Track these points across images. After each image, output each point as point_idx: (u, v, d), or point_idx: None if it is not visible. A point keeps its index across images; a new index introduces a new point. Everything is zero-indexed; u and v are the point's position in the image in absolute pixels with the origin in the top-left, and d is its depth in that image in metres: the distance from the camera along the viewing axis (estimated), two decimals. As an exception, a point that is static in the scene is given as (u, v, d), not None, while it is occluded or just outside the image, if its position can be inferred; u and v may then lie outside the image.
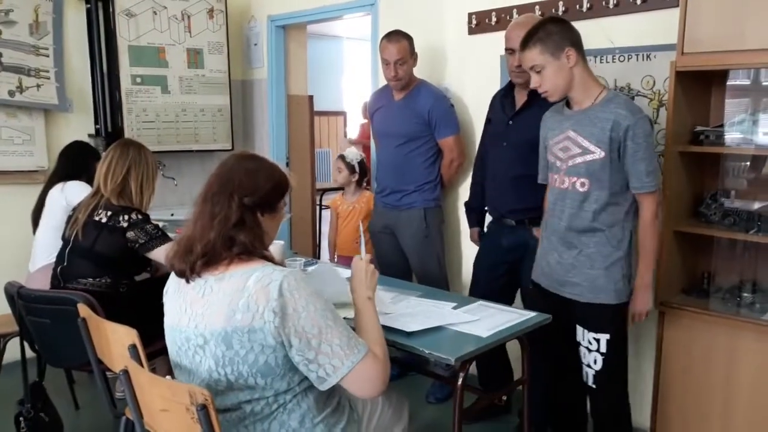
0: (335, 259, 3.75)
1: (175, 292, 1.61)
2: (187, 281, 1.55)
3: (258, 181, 1.57)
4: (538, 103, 2.52)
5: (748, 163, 2.46)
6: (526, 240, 2.65)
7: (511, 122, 2.68)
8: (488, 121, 2.89)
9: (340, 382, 1.48)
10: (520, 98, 2.68)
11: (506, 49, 2.63)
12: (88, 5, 3.83)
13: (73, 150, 3.28)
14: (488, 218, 2.95)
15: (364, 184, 3.77)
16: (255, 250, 1.53)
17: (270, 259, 1.57)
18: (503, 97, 2.77)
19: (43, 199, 3.10)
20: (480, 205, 2.96)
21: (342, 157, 3.65)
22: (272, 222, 1.63)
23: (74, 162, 3.16)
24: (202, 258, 1.51)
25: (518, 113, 2.66)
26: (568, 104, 2.22)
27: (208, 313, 1.49)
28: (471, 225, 3.07)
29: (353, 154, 3.63)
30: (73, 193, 2.97)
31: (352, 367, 1.47)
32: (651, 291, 2.22)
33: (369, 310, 1.69)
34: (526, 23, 2.58)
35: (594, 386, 2.26)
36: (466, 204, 3.09)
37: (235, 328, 1.45)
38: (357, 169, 3.61)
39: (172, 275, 1.62)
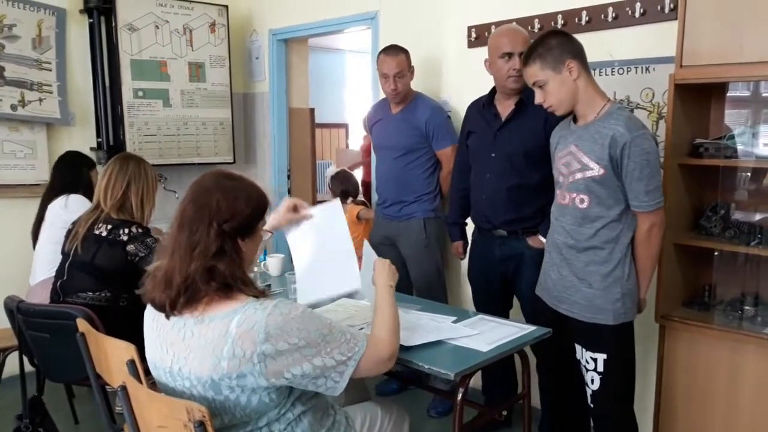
0: None
1: (153, 328, 1.54)
2: (167, 317, 1.47)
3: (237, 205, 1.47)
4: (526, 112, 2.55)
5: (749, 175, 2.45)
6: (521, 250, 2.66)
7: (498, 133, 2.67)
8: (467, 134, 2.85)
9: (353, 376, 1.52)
10: (504, 108, 2.67)
11: (503, 54, 2.58)
12: (91, 20, 3.85)
13: (66, 162, 3.25)
14: (470, 229, 2.96)
15: (350, 200, 3.97)
16: (235, 282, 1.45)
17: (250, 291, 1.47)
18: (483, 109, 2.76)
19: (42, 213, 3.08)
20: (462, 218, 2.97)
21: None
22: (252, 245, 1.55)
23: (69, 174, 3.14)
24: (184, 294, 1.42)
25: (506, 123, 2.65)
26: (575, 118, 2.20)
27: (191, 357, 1.43)
28: (454, 239, 3.07)
29: (328, 172, 3.80)
30: (76, 209, 2.93)
31: (356, 365, 1.50)
32: (644, 304, 2.22)
33: (388, 294, 1.78)
34: (517, 29, 2.65)
35: (592, 406, 2.24)
36: (448, 218, 3.09)
37: (221, 375, 1.39)
38: (330, 185, 3.80)
39: (149, 306, 1.55)
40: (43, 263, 3.00)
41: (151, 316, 1.56)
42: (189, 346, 1.43)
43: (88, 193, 3.05)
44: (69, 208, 2.96)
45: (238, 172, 1.61)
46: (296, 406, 1.52)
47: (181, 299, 1.43)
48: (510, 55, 2.57)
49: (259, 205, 1.55)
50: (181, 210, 1.49)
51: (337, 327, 1.50)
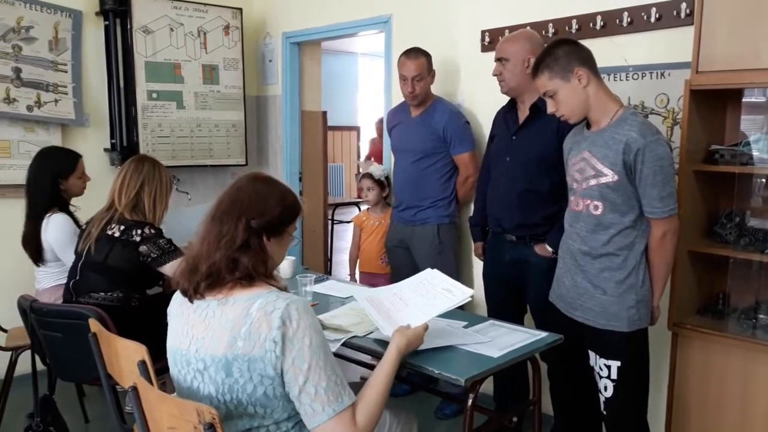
0: (356, 276, 3.71)
1: (178, 314, 1.61)
2: (191, 301, 1.55)
3: (267, 204, 1.56)
4: (541, 117, 2.53)
5: (764, 182, 2.42)
6: (527, 257, 2.66)
7: (514, 137, 2.68)
8: (491, 137, 2.90)
9: (313, 430, 1.44)
10: (523, 113, 2.69)
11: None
12: (107, 22, 3.88)
13: (33, 178, 2.97)
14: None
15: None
16: (257, 275, 1.52)
17: (273, 283, 1.55)
18: (506, 113, 2.79)
19: (28, 229, 2.98)
20: (484, 219, 2.95)
21: (369, 176, 3.58)
22: (279, 247, 1.61)
23: (37, 194, 2.95)
24: (206, 279, 1.51)
25: (521, 128, 2.67)
26: (588, 124, 2.20)
27: (209, 337, 1.48)
28: (475, 240, 3.07)
29: (379, 169, 3.62)
30: (52, 231, 2.90)
31: (331, 415, 1.42)
32: (658, 312, 2.20)
33: (391, 362, 1.65)
34: (515, 37, 2.71)
35: (605, 413, 2.23)
36: (470, 219, 3.09)
37: (235, 355, 1.43)
38: (386, 183, 3.57)
39: (177, 294, 1.62)
40: (47, 278, 3.04)
41: (178, 301, 1.62)
42: (209, 326, 1.49)
43: (66, 204, 3.02)
44: (46, 230, 2.91)
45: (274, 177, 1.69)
46: None
47: (203, 283, 1.51)
48: (498, 60, 2.67)
49: (290, 209, 1.61)
50: (216, 204, 1.58)
51: (332, 363, 1.47)
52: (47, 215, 2.93)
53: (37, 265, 3.02)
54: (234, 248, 1.50)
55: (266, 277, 1.54)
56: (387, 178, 3.58)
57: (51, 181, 2.96)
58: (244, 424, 1.49)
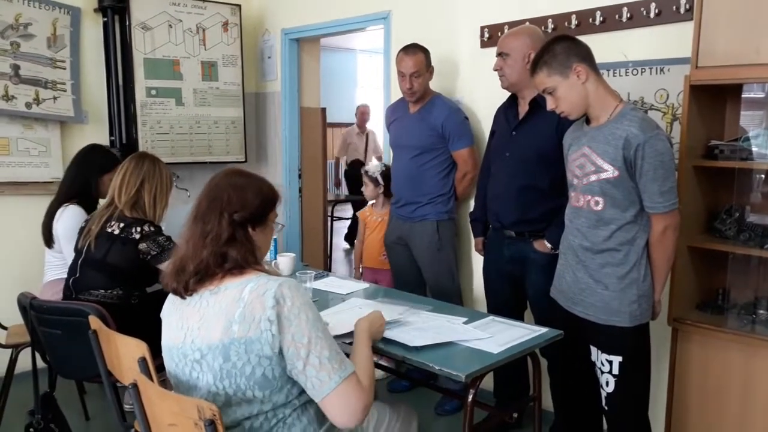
0: (360, 271, 3.72)
1: (171, 312, 1.62)
2: (182, 297, 1.57)
3: (246, 196, 1.59)
4: (541, 113, 2.53)
5: (764, 177, 2.42)
6: (527, 253, 2.66)
7: (514, 133, 2.69)
8: (492, 133, 2.91)
9: (323, 400, 1.47)
10: (523, 109, 2.70)
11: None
12: (105, 19, 3.88)
13: (75, 167, 3.07)
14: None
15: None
16: (247, 265, 1.55)
17: (263, 269, 1.58)
18: (507, 109, 2.79)
19: (50, 213, 3.02)
20: (484, 215, 2.95)
21: (365, 172, 3.64)
22: (263, 235, 1.65)
23: (73, 184, 3.01)
24: (194, 276, 1.53)
25: (521, 124, 2.67)
26: (588, 120, 2.19)
27: (204, 326, 1.50)
28: (476, 235, 3.07)
29: (375, 166, 3.63)
30: (62, 226, 2.91)
31: (339, 382, 1.46)
32: (659, 307, 2.20)
33: (364, 339, 1.73)
34: (516, 32, 2.72)
35: (606, 408, 2.23)
36: (471, 214, 3.10)
37: (232, 339, 1.45)
38: (381, 181, 3.58)
39: (169, 295, 1.64)
40: (50, 267, 3.05)
41: (171, 299, 1.64)
42: (203, 316, 1.52)
43: (93, 203, 3.03)
44: (59, 220, 2.92)
45: (250, 170, 1.72)
46: (303, 395, 1.54)
47: (192, 280, 1.53)
48: (499, 54, 2.68)
49: (268, 197, 1.65)
50: (196, 204, 1.61)
51: (330, 336, 1.52)
52: (64, 204, 2.94)
53: (49, 247, 3.03)
54: (221, 243, 1.53)
55: (256, 264, 1.57)
56: (384, 175, 3.58)
57: (93, 172, 3.03)
58: (243, 411, 1.50)
